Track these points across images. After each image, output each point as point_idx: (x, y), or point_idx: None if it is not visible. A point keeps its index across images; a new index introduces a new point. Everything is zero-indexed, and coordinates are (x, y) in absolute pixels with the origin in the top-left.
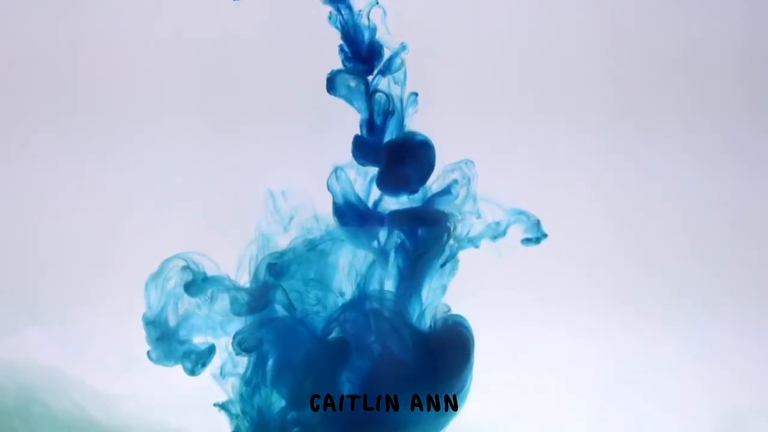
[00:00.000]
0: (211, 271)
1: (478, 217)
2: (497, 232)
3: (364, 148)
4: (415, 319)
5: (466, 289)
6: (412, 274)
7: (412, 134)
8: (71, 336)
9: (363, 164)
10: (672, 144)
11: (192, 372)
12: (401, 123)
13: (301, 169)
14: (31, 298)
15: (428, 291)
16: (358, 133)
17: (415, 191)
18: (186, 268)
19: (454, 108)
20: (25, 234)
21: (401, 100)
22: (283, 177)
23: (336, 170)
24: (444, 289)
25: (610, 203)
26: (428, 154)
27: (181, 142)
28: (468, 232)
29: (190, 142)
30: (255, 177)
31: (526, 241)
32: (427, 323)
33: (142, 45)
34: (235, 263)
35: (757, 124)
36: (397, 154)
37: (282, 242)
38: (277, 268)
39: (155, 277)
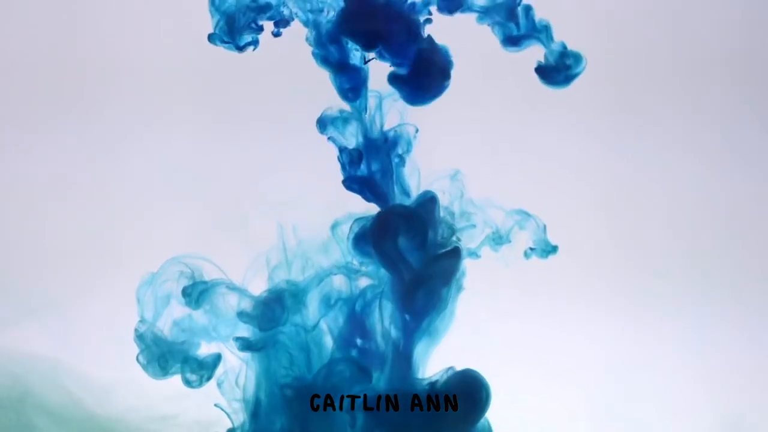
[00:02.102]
0: (212, 276)
1: (473, 226)
2: (500, 240)
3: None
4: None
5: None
6: (418, 328)
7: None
8: (67, 329)
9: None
10: (672, 143)
11: (189, 383)
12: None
13: (304, 168)
14: (28, 292)
15: (435, 330)
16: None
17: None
18: (185, 274)
19: (451, 106)
20: (23, 228)
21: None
22: (284, 176)
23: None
24: (452, 314)
25: (610, 204)
26: (427, 219)
27: (182, 138)
28: (467, 244)
29: (191, 137)
30: (257, 174)
31: (531, 251)
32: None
33: (144, 43)
34: (241, 272)
35: (759, 120)
36: (392, 243)
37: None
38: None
39: (150, 283)
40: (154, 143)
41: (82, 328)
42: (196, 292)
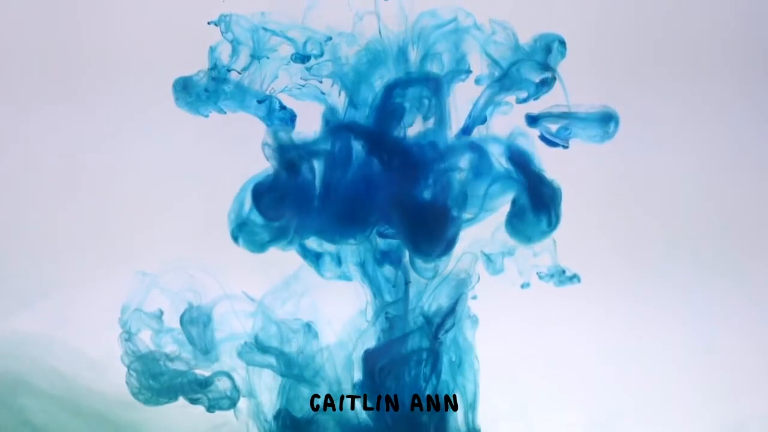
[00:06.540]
0: (212, 284)
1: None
2: (503, 254)
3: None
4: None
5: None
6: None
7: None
8: (61, 312)
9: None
10: (671, 135)
11: (192, 401)
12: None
13: None
14: (23, 282)
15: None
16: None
17: None
18: (184, 295)
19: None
20: (21, 221)
21: None
22: None
23: None
24: (476, 357)
25: (610, 202)
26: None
27: (183, 132)
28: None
29: (191, 132)
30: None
31: (539, 272)
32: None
33: (145, 33)
34: (243, 274)
35: (757, 112)
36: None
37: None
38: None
39: (138, 302)
40: (154, 132)
41: (76, 310)
42: (198, 319)
